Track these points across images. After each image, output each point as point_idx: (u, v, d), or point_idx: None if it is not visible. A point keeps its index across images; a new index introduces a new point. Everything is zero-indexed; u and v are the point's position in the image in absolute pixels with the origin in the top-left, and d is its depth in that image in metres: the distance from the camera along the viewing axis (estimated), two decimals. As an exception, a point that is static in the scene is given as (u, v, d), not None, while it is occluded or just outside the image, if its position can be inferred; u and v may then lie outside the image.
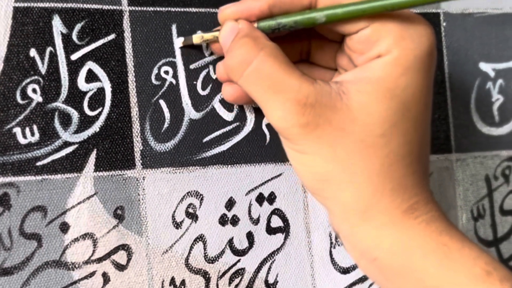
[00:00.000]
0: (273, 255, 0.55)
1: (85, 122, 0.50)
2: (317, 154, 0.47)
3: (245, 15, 0.49)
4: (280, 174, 0.56)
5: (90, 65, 0.50)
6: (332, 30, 0.49)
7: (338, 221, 0.49)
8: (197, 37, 0.52)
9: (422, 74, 0.46)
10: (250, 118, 0.55)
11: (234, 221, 0.54)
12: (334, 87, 0.47)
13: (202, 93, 0.54)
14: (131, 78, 0.51)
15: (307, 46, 0.54)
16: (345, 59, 0.51)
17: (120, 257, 0.50)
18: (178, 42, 0.53)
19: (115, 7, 0.51)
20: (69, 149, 0.50)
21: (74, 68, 0.50)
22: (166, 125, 0.52)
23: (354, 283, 0.57)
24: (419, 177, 0.48)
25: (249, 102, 0.53)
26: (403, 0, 0.45)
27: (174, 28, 0.53)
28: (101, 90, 0.51)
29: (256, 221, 0.55)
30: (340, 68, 0.52)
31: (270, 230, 0.55)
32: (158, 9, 0.52)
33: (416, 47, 0.46)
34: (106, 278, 0.50)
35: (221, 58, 0.54)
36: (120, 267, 0.50)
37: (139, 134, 0.51)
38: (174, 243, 0.52)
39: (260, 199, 0.55)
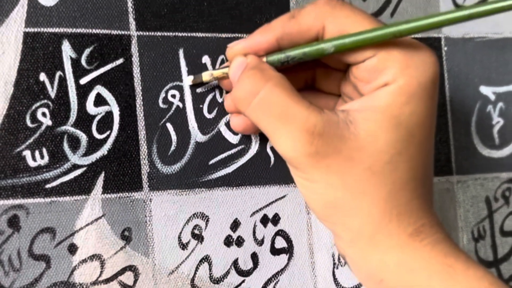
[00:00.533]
0: (277, 275, 0.56)
1: (94, 145, 0.51)
2: (326, 182, 0.47)
3: (253, 50, 0.50)
4: (284, 196, 0.56)
5: (99, 89, 0.51)
6: (337, 59, 0.50)
7: (345, 245, 0.50)
8: (206, 75, 0.53)
9: (426, 101, 0.47)
10: (255, 141, 0.56)
11: (239, 242, 0.55)
12: (341, 116, 0.47)
13: (208, 116, 0.54)
14: (138, 101, 0.52)
15: (312, 74, 0.55)
16: (350, 87, 0.52)
17: (127, 278, 0.51)
18: (187, 80, 0.54)
19: (123, 32, 0.52)
20: (78, 172, 0.50)
21: (83, 92, 0.51)
22: (172, 147, 0.53)
23: (356, 303, 0.58)
24: (424, 201, 0.49)
25: (257, 132, 0.54)
26: (408, 27, 0.46)
27: (181, 53, 0.54)
28: (109, 114, 0.51)
29: (260, 242, 0.55)
30: (344, 95, 0.53)
31: (274, 251, 0.56)
32: (165, 34, 0.53)
33: (421, 75, 0.47)
34: (113, 298, 0.51)
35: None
36: (127, 288, 0.51)
37: (147, 156, 0.52)
38: (180, 264, 0.53)
39: (264, 220, 0.56)
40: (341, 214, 0.48)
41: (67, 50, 0.50)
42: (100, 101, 0.51)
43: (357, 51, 0.48)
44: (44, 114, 0.50)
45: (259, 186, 0.56)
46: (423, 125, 0.48)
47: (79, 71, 0.51)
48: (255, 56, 0.50)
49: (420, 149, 0.48)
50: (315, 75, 0.55)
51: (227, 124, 0.55)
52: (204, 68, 0.54)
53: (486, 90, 0.65)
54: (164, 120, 0.53)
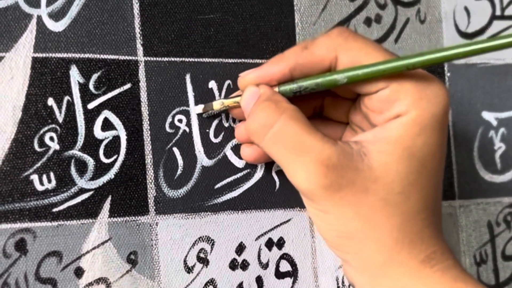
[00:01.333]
0: (281, 299, 0.56)
1: (101, 169, 0.51)
2: (339, 213, 0.48)
3: (266, 80, 0.50)
4: (289, 220, 0.57)
5: (106, 113, 0.52)
6: (347, 89, 0.51)
7: (355, 273, 0.50)
8: (217, 103, 0.53)
9: (438, 132, 0.48)
10: (261, 165, 0.56)
11: (244, 265, 0.55)
12: (355, 147, 0.48)
13: (214, 140, 0.55)
14: (145, 126, 0.53)
15: (321, 102, 0.55)
16: (360, 116, 0.52)
17: (133, 301, 0.51)
18: (197, 109, 0.54)
19: (131, 58, 0.52)
20: (85, 196, 0.51)
21: (90, 116, 0.51)
22: (179, 172, 0.53)
23: (360, 327, 0.58)
24: (434, 228, 0.49)
25: (267, 161, 0.54)
26: (421, 59, 0.46)
27: (188, 78, 0.54)
28: (116, 138, 0.52)
29: (265, 266, 0.56)
30: (353, 124, 0.54)
31: (279, 275, 0.56)
32: (172, 59, 0.54)
33: (433, 107, 0.47)
34: (119, 322, 0.51)
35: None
36: (133, 311, 0.51)
37: (153, 180, 0.53)
38: (186, 287, 0.53)
39: (269, 244, 0.56)
40: (353, 243, 0.49)
41: (75, 75, 0.51)
42: (107, 125, 0.51)
43: (370, 82, 0.48)
44: (52, 139, 0.50)
45: (264, 210, 0.56)
46: (434, 156, 0.48)
47: (87, 96, 0.51)
48: (268, 87, 0.50)
49: (431, 179, 0.49)
50: (324, 103, 0.55)
51: (233, 148, 0.55)
52: (211, 93, 0.55)
53: (489, 116, 0.65)
54: (170, 144, 0.53)
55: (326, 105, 0.55)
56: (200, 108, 0.54)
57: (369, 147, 0.48)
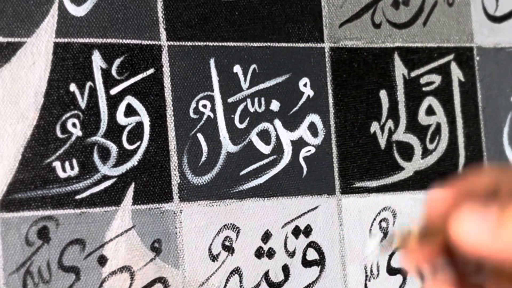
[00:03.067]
0: (308, 288, 0.55)
1: (124, 155, 0.50)
2: None
3: None
4: (316, 207, 0.56)
5: (129, 99, 0.51)
6: None
7: None
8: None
9: None
10: (287, 150, 0.55)
11: (270, 253, 0.54)
12: None
13: (239, 126, 0.54)
14: (169, 112, 0.52)
15: None
16: None
17: (158, 290, 0.51)
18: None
19: (154, 42, 0.52)
20: (108, 183, 0.50)
21: (113, 102, 0.50)
22: (203, 158, 0.53)
23: (389, 317, 0.57)
24: None
25: None
26: None
27: (212, 62, 0.53)
28: (139, 124, 0.51)
29: (292, 254, 0.55)
30: None
31: (306, 263, 0.55)
32: (196, 43, 0.53)
33: None
34: (143, 311, 0.50)
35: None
36: (157, 300, 0.51)
37: (177, 167, 0.52)
38: (210, 276, 0.52)
39: (296, 231, 0.55)
40: None
41: (97, 61, 0.50)
42: (130, 111, 0.51)
43: None
44: (74, 125, 0.49)
45: (291, 197, 0.55)
46: None
47: (109, 82, 0.50)
48: None
49: None
50: None
51: (259, 134, 0.54)
52: (236, 78, 0.54)
53: (519, 100, 0.64)
54: (195, 130, 0.53)
55: None
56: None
57: None
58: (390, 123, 0.58)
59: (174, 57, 0.52)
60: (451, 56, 0.60)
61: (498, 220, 0.31)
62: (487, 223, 0.32)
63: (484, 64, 0.63)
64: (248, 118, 0.54)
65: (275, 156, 0.55)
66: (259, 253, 0.54)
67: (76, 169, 0.49)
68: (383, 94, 0.58)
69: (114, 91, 0.50)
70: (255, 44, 0.55)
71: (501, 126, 0.63)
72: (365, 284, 0.57)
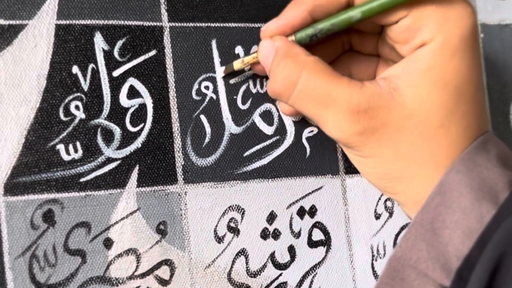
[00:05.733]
0: (315, 268, 0.55)
1: (127, 138, 0.50)
2: (379, 156, 0.47)
3: (287, 28, 0.48)
4: (321, 187, 0.56)
5: (132, 81, 0.51)
6: (369, 23, 0.49)
7: (409, 211, 0.49)
8: (238, 62, 0.52)
9: (469, 55, 0.46)
10: (290, 131, 0.55)
11: (276, 235, 0.54)
12: (383, 85, 0.46)
13: (242, 107, 0.54)
14: (172, 93, 0.52)
15: (348, 38, 0.53)
16: (387, 48, 0.50)
17: (164, 272, 0.50)
18: (219, 71, 0.53)
19: (155, 24, 0.52)
20: (112, 165, 0.50)
21: (116, 84, 0.50)
22: (207, 140, 0.52)
23: (396, 296, 0.57)
24: None
25: None
26: None
27: (214, 43, 0.53)
28: (142, 106, 0.51)
29: (297, 235, 0.55)
30: (383, 57, 0.52)
31: (312, 244, 0.55)
32: (198, 24, 0.53)
33: (459, 29, 0.45)
34: (149, 293, 0.50)
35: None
36: (164, 282, 0.50)
37: (181, 149, 0.52)
38: (216, 258, 0.52)
39: (301, 212, 0.55)
40: (401, 184, 0.47)
41: (99, 42, 0.50)
42: (133, 93, 0.51)
43: (389, 12, 0.46)
44: (77, 107, 0.49)
45: (295, 177, 0.55)
46: (469, 80, 0.46)
47: (111, 63, 0.50)
48: (283, 37, 0.48)
49: (471, 106, 0.46)
50: (351, 39, 0.53)
51: (262, 115, 0.54)
52: (237, 58, 0.53)
53: (524, 77, 0.64)
54: (197, 112, 0.52)
55: (354, 41, 0.53)
56: (221, 70, 0.53)
57: (398, 82, 0.46)
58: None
59: (176, 38, 0.52)
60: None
61: None
62: None
63: (488, 41, 0.63)
64: (250, 99, 0.54)
65: (278, 137, 0.55)
66: (264, 234, 0.54)
67: (80, 151, 0.49)
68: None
69: (116, 73, 0.50)
70: (257, 25, 0.54)
71: (507, 104, 0.63)
72: (372, 264, 0.57)
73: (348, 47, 0.54)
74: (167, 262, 0.51)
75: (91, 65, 0.50)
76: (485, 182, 0.45)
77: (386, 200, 0.57)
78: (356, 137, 0.46)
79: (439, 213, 0.45)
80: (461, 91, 0.46)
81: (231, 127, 0.53)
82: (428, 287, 0.45)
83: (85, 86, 0.49)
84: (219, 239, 0.52)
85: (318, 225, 0.55)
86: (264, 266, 0.53)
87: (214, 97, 0.53)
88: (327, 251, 0.55)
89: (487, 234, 0.43)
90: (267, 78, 0.54)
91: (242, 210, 0.53)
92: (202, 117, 0.52)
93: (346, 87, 0.46)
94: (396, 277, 0.46)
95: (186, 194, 0.52)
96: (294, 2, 0.49)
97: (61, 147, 0.48)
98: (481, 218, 0.44)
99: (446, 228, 0.44)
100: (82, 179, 0.49)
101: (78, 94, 0.49)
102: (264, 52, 0.49)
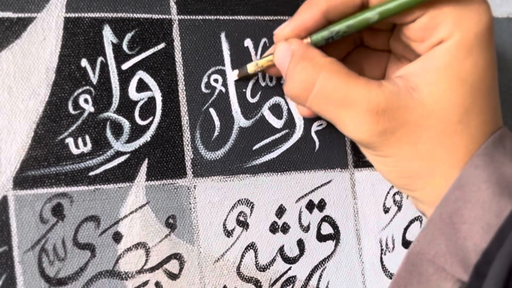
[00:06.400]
0: (324, 262, 0.55)
1: (137, 131, 0.50)
2: (399, 155, 0.47)
3: (301, 30, 0.48)
4: (329, 181, 0.55)
5: (141, 74, 0.50)
6: (383, 21, 0.49)
7: (426, 207, 0.49)
8: (252, 66, 0.52)
9: (485, 51, 0.46)
10: (299, 125, 0.55)
11: (285, 228, 0.54)
12: (401, 84, 0.46)
13: (251, 100, 0.54)
14: (181, 87, 0.51)
15: (359, 35, 0.53)
16: (401, 46, 0.50)
17: (173, 266, 0.50)
18: (233, 75, 0.53)
19: (164, 16, 0.51)
20: (121, 159, 0.50)
21: (125, 77, 0.50)
22: (216, 133, 0.52)
23: (405, 290, 0.57)
24: None
25: None
26: None
27: (223, 36, 0.53)
28: (151, 99, 0.51)
29: (306, 229, 0.54)
30: (394, 53, 0.52)
31: (321, 237, 0.55)
32: (207, 17, 0.52)
33: (476, 26, 0.45)
34: (159, 287, 0.50)
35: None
36: (173, 276, 0.50)
37: (190, 142, 0.51)
38: (226, 252, 0.52)
39: (310, 206, 0.55)
40: (419, 181, 0.47)
41: (108, 35, 0.50)
42: (142, 86, 0.50)
43: (405, 12, 0.46)
44: (86, 101, 0.49)
45: (304, 171, 0.55)
46: (486, 76, 0.46)
47: (120, 57, 0.50)
48: (298, 40, 0.48)
49: (488, 101, 0.47)
50: (362, 35, 0.53)
51: (271, 108, 0.54)
52: (247, 51, 0.53)
53: (533, 70, 0.64)
54: (207, 105, 0.52)
55: (365, 37, 0.53)
56: (235, 74, 0.53)
57: (416, 80, 0.46)
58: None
59: (185, 31, 0.52)
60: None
61: None
62: None
63: (497, 34, 0.62)
64: (259, 92, 0.54)
65: (287, 131, 0.54)
66: (273, 228, 0.54)
67: (89, 145, 0.49)
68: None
69: (125, 66, 0.50)
70: (266, 18, 0.54)
71: (514, 98, 0.63)
72: (381, 258, 0.57)
73: (359, 42, 0.54)
74: (176, 256, 0.50)
75: (100, 58, 0.49)
76: (503, 177, 0.45)
77: (394, 194, 0.57)
78: (376, 137, 0.46)
79: (457, 207, 0.45)
80: (477, 86, 0.46)
81: (240, 120, 0.53)
82: (446, 282, 0.45)
83: (94, 79, 0.49)
84: (228, 233, 0.52)
85: (327, 219, 0.55)
86: (273, 260, 0.53)
87: (223, 90, 0.53)
88: (336, 245, 0.55)
89: (506, 229, 0.43)
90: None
91: (251, 204, 0.53)
92: (211, 110, 0.52)
93: (364, 87, 0.46)
94: (414, 271, 0.46)
95: (195, 188, 0.51)
96: (307, 3, 0.48)
97: (70, 141, 0.48)
98: (500, 213, 0.44)
99: (464, 222, 0.44)
100: (91, 173, 0.49)
101: (87, 87, 0.49)
102: (280, 55, 0.49)
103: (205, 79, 0.52)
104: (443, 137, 0.46)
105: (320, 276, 0.55)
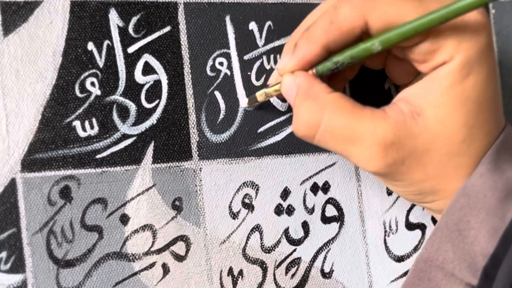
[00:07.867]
0: (328, 244, 0.55)
1: (143, 114, 0.50)
2: (409, 179, 0.47)
3: (303, 65, 0.48)
4: (334, 163, 0.56)
5: (147, 57, 0.51)
6: None
7: (438, 216, 0.50)
8: (260, 95, 0.52)
9: (486, 64, 0.46)
10: (304, 108, 0.55)
11: (290, 210, 0.54)
12: (405, 109, 0.46)
13: (256, 83, 0.54)
14: (186, 70, 0.52)
15: None
16: (401, 66, 0.51)
17: (179, 248, 0.51)
18: (243, 102, 0.53)
19: (170, 0, 0.51)
20: (128, 142, 0.50)
21: (131, 60, 0.50)
22: (221, 116, 0.53)
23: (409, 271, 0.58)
24: None
25: None
26: (454, 7, 0.43)
27: (228, 19, 0.53)
28: (157, 83, 0.51)
29: (311, 211, 0.55)
30: (390, 70, 0.53)
31: (325, 219, 0.55)
32: (212, 1, 0.53)
33: (476, 44, 0.46)
34: (166, 269, 0.50)
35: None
36: (179, 258, 0.51)
37: (195, 125, 0.52)
38: (231, 234, 0.52)
39: (314, 188, 0.55)
40: (431, 196, 0.48)
41: (114, 19, 0.50)
42: (148, 69, 0.51)
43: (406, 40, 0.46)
44: (93, 84, 0.49)
45: (308, 153, 0.55)
46: (488, 88, 0.47)
47: (126, 40, 0.50)
48: (303, 73, 0.48)
49: (490, 113, 0.47)
50: None
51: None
52: (251, 35, 0.54)
53: (536, 53, 0.64)
54: (212, 88, 0.52)
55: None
56: (245, 102, 0.53)
57: (420, 103, 0.46)
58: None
59: (190, 14, 0.52)
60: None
61: None
62: None
63: (500, 17, 0.63)
64: (264, 75, 0.54)
65: (291, 113, 0.55)
66: (278, 210, 0.54)
67: (96, 128, 0.49)
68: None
69: (131, 49, 0.50)
70: (270, 1, 0.54)
71: (516, 81, 0.63)
72: (384, 240, 0.57)
73: None
74: (182, 238, 0.51)
75: (106, 42, 0.50)
76: (508, 183, 0.46)
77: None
78: (386, 169, 0.46)
79: (463, 214, 0.46)
80: (480, 101, 0.46)
81: (245, 103, 0.53)
82: (455, 286, 0.45)
83: (100, 62, 0.49)
84: (234, 215, 0.53)
85: (331, 201, 0.56)
86: (279, 241, 0.54)
87: (229, 73, 0.53)
88: (340, 227, 0.56)
89: (511, 232, 0.44)
90: (280, 54, 0.54)
91: (257, 186, 0.53)
92: (217, 93, 0.53)
93: (369, 121, 0.46)
94: (423, 277, 0.47)
95: (201, 170, 0.52)
96: (305, 37, 0.47)
97: (77, 124, 0.49)
98: (503, 216, 0.45)
99: (471, 228, 0.45)
100: (98, 156, 0.49)
101: (94, 70, 0.49)
102: (286, 88, 0.48)
103: (210, 62, 0.53)
104: (449, 157, 0.46)
105: (325, 257, 0.55)
